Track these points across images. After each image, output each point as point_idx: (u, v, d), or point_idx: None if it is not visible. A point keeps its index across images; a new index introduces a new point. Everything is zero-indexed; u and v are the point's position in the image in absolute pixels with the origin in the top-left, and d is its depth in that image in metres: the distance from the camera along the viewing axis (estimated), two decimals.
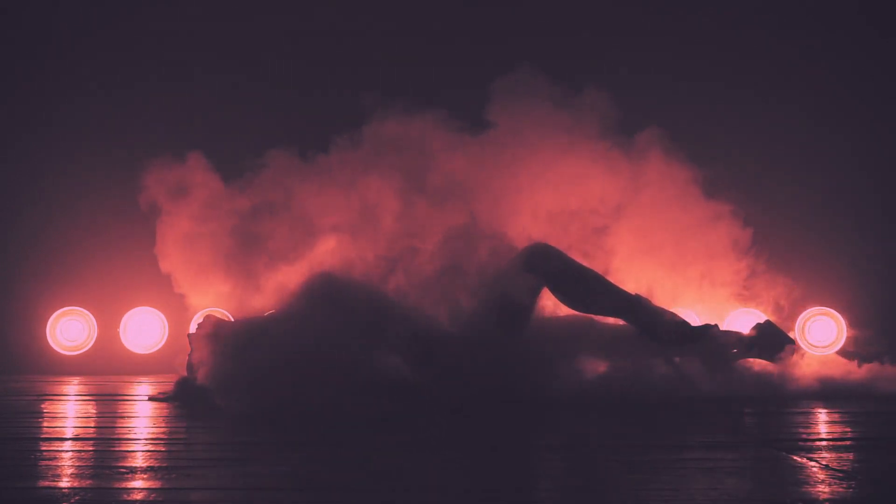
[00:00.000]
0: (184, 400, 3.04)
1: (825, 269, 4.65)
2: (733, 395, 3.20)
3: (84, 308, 4.64)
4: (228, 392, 2.84)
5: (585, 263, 3.42)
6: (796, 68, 4.69)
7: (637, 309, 3.14)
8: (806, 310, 4.49)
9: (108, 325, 4.62)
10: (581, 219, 4.03)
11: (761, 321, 3.36)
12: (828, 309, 4.45)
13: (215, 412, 2.78)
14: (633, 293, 3.18)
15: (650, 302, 3.17)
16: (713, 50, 4.66)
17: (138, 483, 1.62)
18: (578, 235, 4.00)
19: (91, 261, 4.63)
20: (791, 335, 3.39)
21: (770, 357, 3.26)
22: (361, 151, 3.95)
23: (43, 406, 3.03)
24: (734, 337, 3.30)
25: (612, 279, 3.41)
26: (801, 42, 4.67)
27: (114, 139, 4.62)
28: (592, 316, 3.27)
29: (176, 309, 4.37)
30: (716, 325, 3.29)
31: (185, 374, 3.15)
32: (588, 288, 3.14)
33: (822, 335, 4.42)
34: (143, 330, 4.54)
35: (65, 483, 1.62)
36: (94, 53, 4.70)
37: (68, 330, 4.62)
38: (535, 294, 3.12)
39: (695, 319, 4.21)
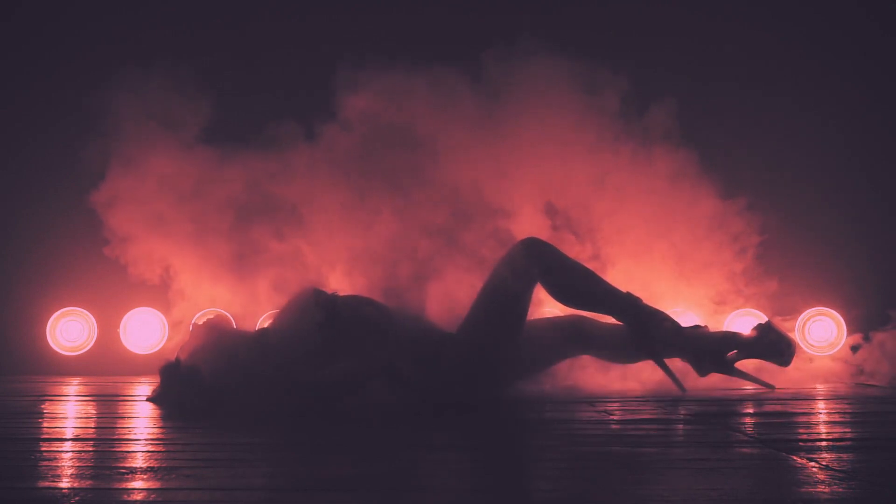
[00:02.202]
0: (170, 387, 3.02)
1: (825, 269, 4.65)
2: (732, 395, 3.21)
3: (84, 308, 4.64)
4: (220, 391, 2.87)
5: (578, 258, 3.43)
6: (795, 64, 4.70)
7: (628, 308, 3.13)
8: (806, 310, 4.49)
9: (108, 326, 4.62)
10: (577, 210, 4.04)
11: (762, 322, 3.35)
12: (828, 309, 4.45)
13: (211, 410, 2.79)
14: (625, 291, 3.16)
15: (641, 301, 3.15)
16: (716, 46, 4.66)
17: (138, 483, 1.62)
18: (573, 227, 3.99)
19: (91, 261, 4.64)
20: (791, 335, 3.39)
21: (771, 358, 3.26)
22: (349, 137, 3.91)
23: (43, 406, 3.03)
24: (731, 338, 3.29)
25: (606, 276, 3.42)
26: (802, 40, 4.67)
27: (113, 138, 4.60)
28: (584, 314, 3.27)
29: (176, 309, 4.38)
30: (705, 327, 3.29)
31: (171, 359, 3.12)
32: (579, 284, 3.13)
33: (822, 335, 4.42)
34: (143, 330, 4.54)
35: (65, 483, 1.62)
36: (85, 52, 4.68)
37: (68, 330, 4.62)
38: (529, 290, 3.10)
39: (695, 320, 4.22)
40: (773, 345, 3.23)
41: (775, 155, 4.70)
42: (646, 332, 3.13)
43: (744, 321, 4.28)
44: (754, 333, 3.26)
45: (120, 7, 4.71)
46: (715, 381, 3.41)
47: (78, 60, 4.68)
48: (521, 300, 3.09)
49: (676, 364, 3.29)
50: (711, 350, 3.20)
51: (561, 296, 3.14)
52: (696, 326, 3.28)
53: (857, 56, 4.72)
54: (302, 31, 4.77)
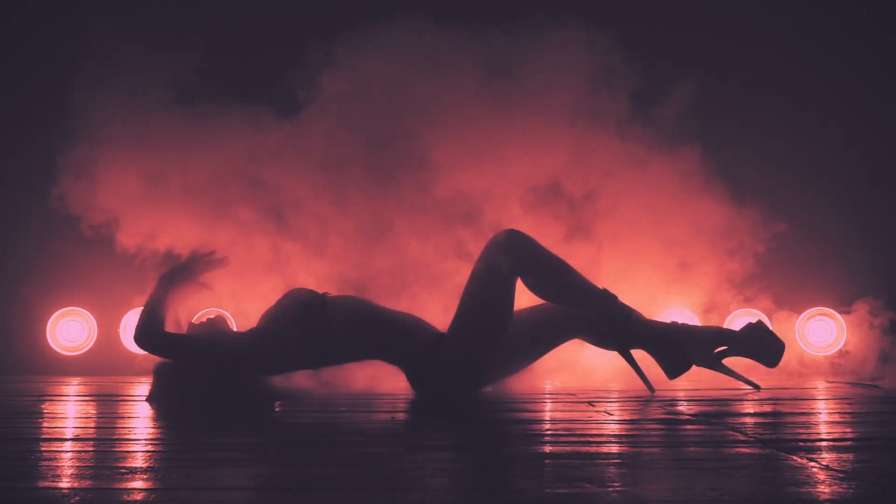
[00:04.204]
0: (162, 384, 3.03)
1: (825, 268, 4.65)
2: (732, 395, 3.21)
3: (84, 308, 4.64)
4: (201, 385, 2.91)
5: (570, 250, 3.42)
6: (794, 63, 4.70)
7: (602, 305, 3.11)
8: (806, 310, 4.49)
9: (108, 325, 4.62)
10: (578, 204, 4.02)
11: (753, 321, 3.31)
12: (828, 309, 4.45)
13: (192, 402, 2.81)
14: (602, 288, 3.14)
15: (616, 299, 3.14)
16: (717, 44, 4.66)
17: (138, 483, 1.62)
18: (566, 219, 3.97)
19: (91, 261, 4.64)
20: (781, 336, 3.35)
21: (759, 358, 3.22)
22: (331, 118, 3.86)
23: (43, 406, 3.03)
24: (720, 334, 3.25)
25: (597, 270, 3.41)
26: (801, 39, 4.68)
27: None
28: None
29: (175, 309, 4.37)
30: (682, 324, 3.24)
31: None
32: (556, 280, 3.11)
33: (822, 335, 4.42)
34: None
35: (65, 483, 1.62)
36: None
37: (68, 330, 4.62)
38: (511, 284, 3.08)
39: (693, 319, 4.21)
40: (762, 344, 3.20)
41: (777, 155, 4.70)
42: (617, 330, 3.12)
43: (743, 321, 4.29)
44: (744, 331, 3.23)
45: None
46: (716, 382, 3.41)
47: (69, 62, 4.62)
48: (505, 295, 3.07)
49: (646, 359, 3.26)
50: (685, 349, 3.15)
51: (538, 290, 3.12)
52: (674, 323, 3.24)
53: (857, 55, 4.73)
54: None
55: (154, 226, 4.05)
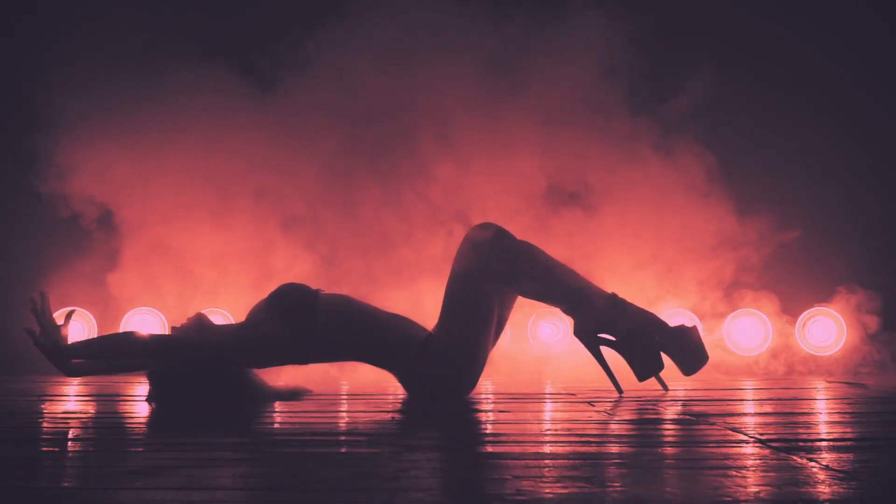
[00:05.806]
0: (156, 387, 3.03)
1: (827, 267, 4.65)
2: (732, 395, 3.20)
3: (84, 308, 4.64)
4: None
5: (570, 249, 3.40)
6: (799, 57, 4.69)
7: (580, 302, 3.08)
8: (806, 310, 4.50)
9: (108, 326, 4.62)
10: (572, 199, 4.02)
11: (688, 324, 3.14)
12: (828, 309, 4.46)
13: (208, 410, 2.80)
14: (577, 286, 3.09)
15: (594, 298, 3.09)
16: (720, 40, 4.65)
17: (138, 483, 1.62)
18: (566, 217, 3.97)
19: (91, 261, 4.64)
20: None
21: (679, 361, 3.10)
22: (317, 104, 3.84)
23: (43, 406, 3.03)
24: (656, 323, 3.11)
25: (596, 269, 3.38)
26: (803, 38, 4.67)
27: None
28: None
29: (176, 309, 4.38)
30: (620, 298, 3.10)
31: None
32: (537, 279, 3.07)
33: (822, 335, 4.43)
34: (144, 330, 4.54)
35: (65, 483, 1.62)
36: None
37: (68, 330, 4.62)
38: (494, 283, 3.03)
39: (695, 320, 4.22)
40: (687, 348, 3.07)
41: (780, 154, 4.70)
42: (588, 328, 3.07)
43: (742, 322, 4.29)
44: (676, 330, 3.10)
45: None
46: (715, 382, 3.41)
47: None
48: (491, 290, 3.03)
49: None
50: (657, 353, 3.08)
51: (520, 288, 3.08)
52: (613, 295, 3.10)
53: (861, 55, 4.72)
54: None
55: (152, 222, 4.05)
